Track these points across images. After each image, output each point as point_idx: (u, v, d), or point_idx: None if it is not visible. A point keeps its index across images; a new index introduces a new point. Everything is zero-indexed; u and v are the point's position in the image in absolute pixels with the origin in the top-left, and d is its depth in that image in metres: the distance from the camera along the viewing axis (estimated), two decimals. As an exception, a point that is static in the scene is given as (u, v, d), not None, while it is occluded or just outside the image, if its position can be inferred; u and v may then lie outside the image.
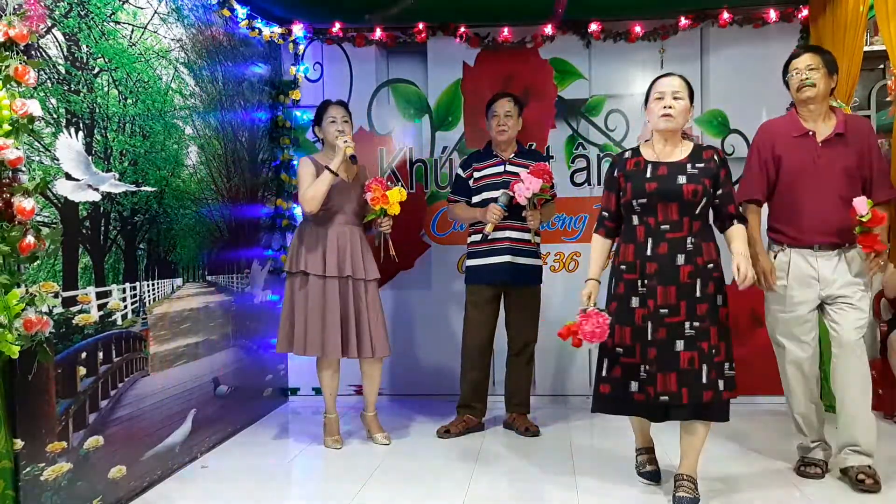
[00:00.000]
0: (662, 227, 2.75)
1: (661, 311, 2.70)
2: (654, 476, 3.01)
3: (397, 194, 3.50)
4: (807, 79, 2.95)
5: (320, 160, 3.57)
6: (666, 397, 2.67)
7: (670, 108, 2.77)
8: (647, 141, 2.95)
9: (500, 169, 3.77)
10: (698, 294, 2.71)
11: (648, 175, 2.78)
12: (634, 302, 2.76)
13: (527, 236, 3.73)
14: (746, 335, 4.27)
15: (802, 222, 2.99)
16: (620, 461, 3.31)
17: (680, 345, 2.68)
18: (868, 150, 3.00)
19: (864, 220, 2.78)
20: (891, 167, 3.51)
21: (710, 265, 2.75)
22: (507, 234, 3.73)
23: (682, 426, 2.81)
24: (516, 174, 3.65)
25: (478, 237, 3.79)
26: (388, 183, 3.67)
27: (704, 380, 2.67)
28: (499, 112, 3.77)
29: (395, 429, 3.87)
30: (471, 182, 3.83)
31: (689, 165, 2.78)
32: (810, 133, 3.00)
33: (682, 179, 2.74)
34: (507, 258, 3.73)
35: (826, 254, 2.97)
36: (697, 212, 2.76)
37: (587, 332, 2.66)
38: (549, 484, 3.06)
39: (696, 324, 2.69)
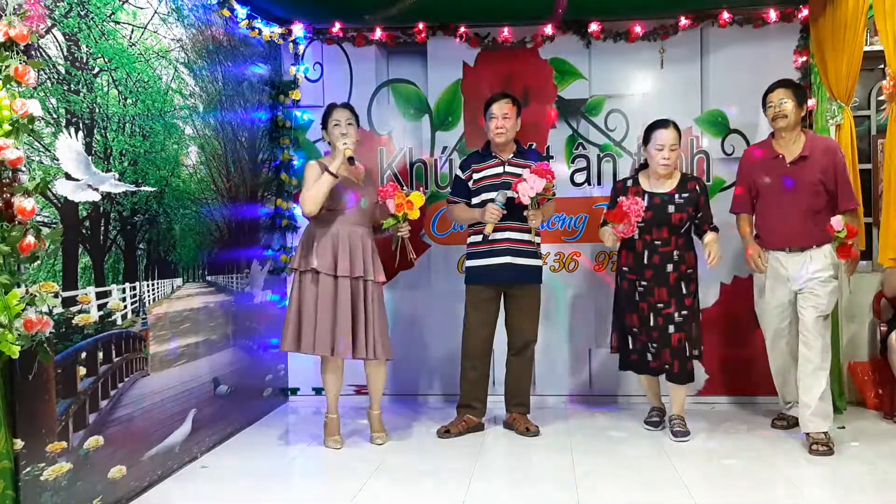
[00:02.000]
0: (656, 242, 3.61)
1: (658, 305, 3.62)
2: (657, 425, 3.83)
3: (420, 199, 3.58)
4: (780, 111, 3.52)
5: (327, 163, 3.58)
6: (667, 366, 3.62)
7: (668, 159, 3.58)
8: (644, 170, 3.75)
9: (500, 170, 3.76)
10: (684, 292, 3.62)
11: (646, 204, 3.54)
12: (636, 296, 3.66)
13: (527, 237, 3.73)
14: (746, 335, 4.27)
15: (776, 230, 3.57)
16: (620, 461, 3.32)
17: (671, 328, 3.60)
18: (832, 166, 3.49)
19: (840, 235, 3.38)
20: (884, 169, 3.56)
21: (690, 270, 3.65)
22: (507, 234, 3.73)
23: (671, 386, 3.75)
24: (516, 175, 3.65)
25: (478, 238, 3.79)
26: (406, 189, 3.71)
27: (687, 353, 3.62)
28: (496, 114, 3.75)
29: (396, 429, 3.87)
30: (470, 183, 3.83)
31: (676, 196, 3.61)
32: (780, 156, 3.55)
33: (671, 209, 3.59)
34: (506, 259, 3.72)
35: (795, 255, 3.52)
36: (682, 231, 3.62)
37: (620, 230, 3.48)
38: (549, 484, 3.06)
39: (684, 312, 3.61)
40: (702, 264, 3.64)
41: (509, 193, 3.63)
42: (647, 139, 3.66)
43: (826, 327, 3.47)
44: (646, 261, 3.61)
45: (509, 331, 3.87)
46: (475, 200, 3.81)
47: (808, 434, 3.43)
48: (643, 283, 3.62)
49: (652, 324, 3.62)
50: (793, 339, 3.62)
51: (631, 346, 3.75)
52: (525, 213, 3.64)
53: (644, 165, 3.77)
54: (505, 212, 3.65)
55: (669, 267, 3.59)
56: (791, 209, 3.50)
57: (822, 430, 3.39)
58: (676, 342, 3.59)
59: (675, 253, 3.59)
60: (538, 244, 3.81)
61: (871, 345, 4.34)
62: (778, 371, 3.78)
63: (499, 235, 3.72)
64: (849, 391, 4.26)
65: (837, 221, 3.37)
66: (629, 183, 3.71)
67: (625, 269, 3.70)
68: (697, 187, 3.65)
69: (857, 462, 3.27)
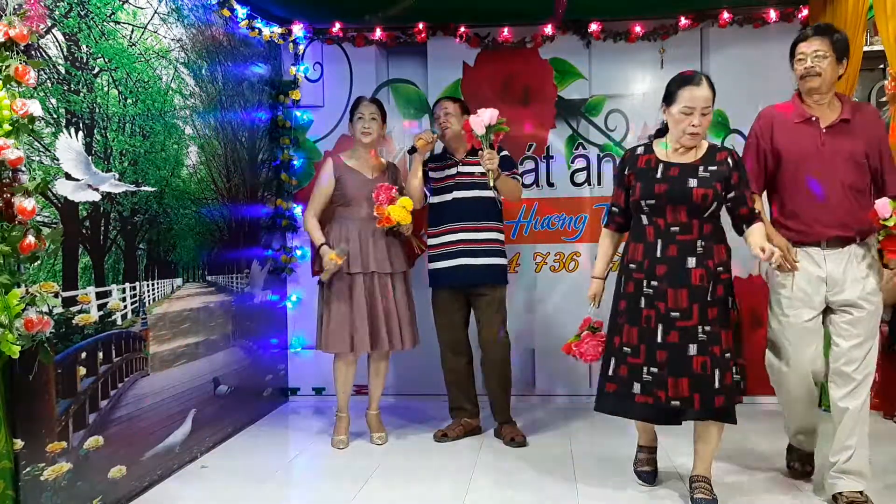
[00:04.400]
0: (672, 228, 2.70)
1: (673, 314, 2.66)
2: (649, 477, 3.00)
3: (399, 210, 3.49)
4: (812, 67, 2.73)
5: (346, 158, 3.66)
6: (678, 402, 2.64)
7: (698, 126, 2.67)
8: (660, 137, 2.86)
9: (453, 171, 3.68)
10: (709, 297, 2.66)
11: (659, 175, 2.73)
12: (642, 302, 2.72)
13: (483, 236, 3.61)
14: (746, 335, 4.23)
15: (808, 214, 2.77)
16: (621, 463, 3.31)
17: (693, 349, 2.64)
18: (877, 139, 2.78)
19: (888, 223, 2.59)
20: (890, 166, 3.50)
21: (720, 268, 2.70)
22: (461, 235, 3.64)
23: (697, 430, 2.81)
24: (470, 173, 3.62)
25: (435, 240, 3.73)
26: (394, 192, 3.54)
27: (717, 385, 2.63)
28: (439, 114, 3.73)
29: (396, 429, 3.87)
30: (429, 181, 3.77)
31: (701, 168, 2.71)
32: (813, 119, 2.79)
33: (692, 183, 2.68)
34: (461, 260, 3.64)
35: (834, 252, 2.75)
36: (707, 215, 2.69)
37: (584, 353, 2.95)
38: (549, 485, 3.06)
39: (707, 328, 2.64)
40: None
41: (434, 131, 3.69)
42: (669, 98, 2.73)
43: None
44: (659, 253, 2.69)
45: (478, 333, 3.76)
46: (433, 200, 3.77)
47: (839, 494, 2.72)
48: (653, 282, 2.69)
49: (659, 340, 2.67)
50: (818, 376, 2.83)
51: (611, 373, 2.78)
52: (479, 153, 3.41)
53: (662, 131, 2.88)
54: (437, 134, 3.64)
55: (691, 261, 2.65)
56: (829, 186, 2.72)
57: (859, 488, 2.71)
58: (699, 367, 2.62)
59: (698, 243, 2.66)
60: (501, 242, 3.70)
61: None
62: (802, 421, 2.97)
63: (453, 237, 3.65)
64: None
65: (883, 206, 2.58)
66: (639, 151, 2.85)
67: (631, 265, 2.77)
68: (729, 160, 2.74)
69: (857, 462, 3.26)
